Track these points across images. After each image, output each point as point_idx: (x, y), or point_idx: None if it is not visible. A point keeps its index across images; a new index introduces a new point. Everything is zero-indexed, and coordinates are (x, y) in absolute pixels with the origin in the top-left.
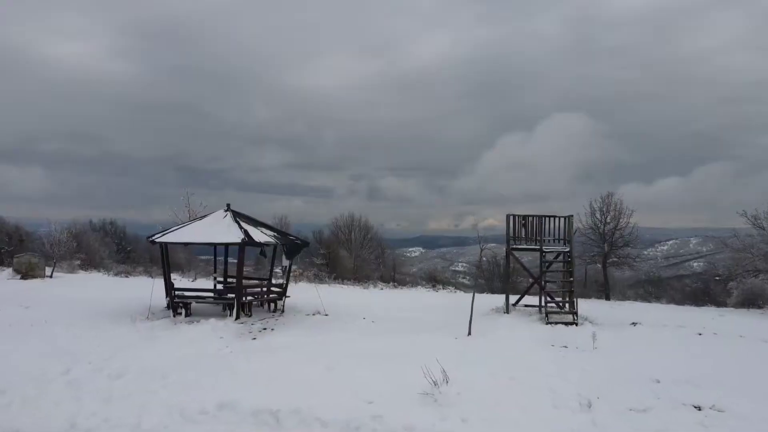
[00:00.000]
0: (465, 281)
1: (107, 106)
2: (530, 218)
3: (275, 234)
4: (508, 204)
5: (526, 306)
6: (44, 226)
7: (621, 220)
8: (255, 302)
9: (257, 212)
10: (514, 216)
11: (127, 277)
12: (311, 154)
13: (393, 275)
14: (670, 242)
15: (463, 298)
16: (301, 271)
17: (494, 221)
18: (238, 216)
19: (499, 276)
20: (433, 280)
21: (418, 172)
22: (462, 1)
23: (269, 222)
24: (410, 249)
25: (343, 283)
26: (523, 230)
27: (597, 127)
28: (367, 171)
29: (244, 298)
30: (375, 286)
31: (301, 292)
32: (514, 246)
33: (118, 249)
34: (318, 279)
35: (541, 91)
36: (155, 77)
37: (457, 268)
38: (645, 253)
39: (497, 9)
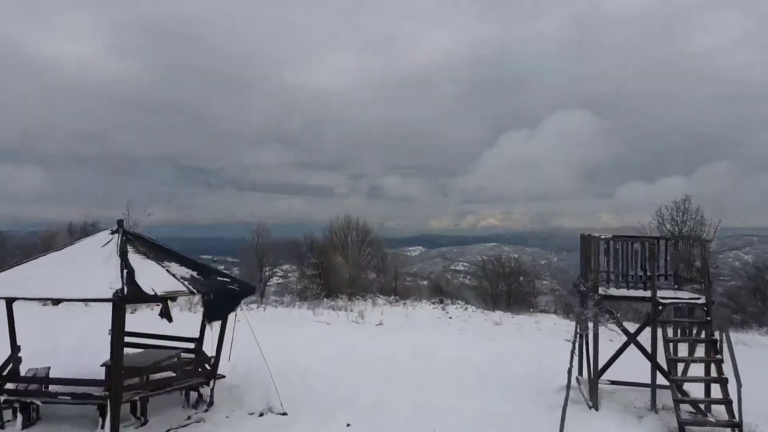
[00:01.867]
0: (467, 281)
1: (107, 105)
2: (624, 242)
3: (194, 275)
4: (510, 203)
5: (612, 383)
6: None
7: (702, 233)
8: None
9: (256, 211)
10: (594, 238)
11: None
12: (311, 153)
13: (395, 287)
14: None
15: (491, 337)
16: (295, 276)
17: (494, 221)
18: (132, 242)
19: (504, 277)
20: (439, 292)
21: (418, 171)
22: (463, 1)
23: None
24: (410, 248)
25: (333, 307)
26: (606, 260)
27: (599, 125)
28: (368, 170)
29: (136, 396)
30: (374, 304)
31: (264, 337)
32: (606, 293)
33: None
34: (301, 297)
35: (542, 90)
36: (155, 76)
37: (457, 268)
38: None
39: (498, 8)
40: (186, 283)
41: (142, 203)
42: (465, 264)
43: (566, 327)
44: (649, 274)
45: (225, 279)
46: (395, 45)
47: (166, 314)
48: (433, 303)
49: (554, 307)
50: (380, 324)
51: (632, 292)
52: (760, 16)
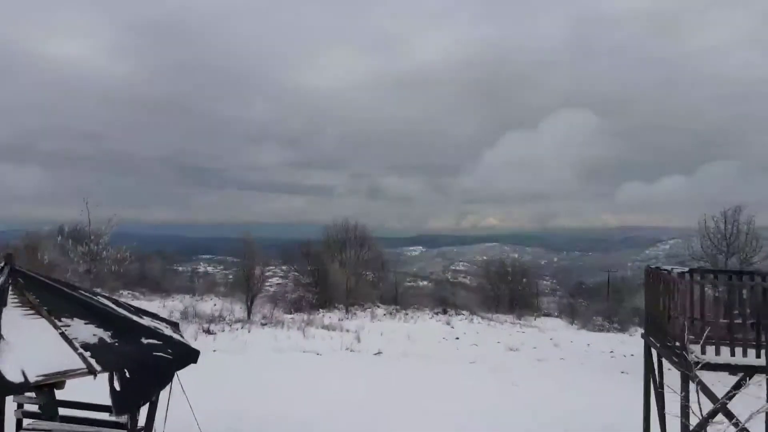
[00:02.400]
0: (466, 281)
1: (106, 104)
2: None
3: (105, 338)
4: (510, 203)
5: None
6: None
7: (756, 252)
8: None
9: (256, 211)
10: (687, 274)
11: None
12: (311, 153)
13: (395, 296)
14: (672, 241)
15: (511, 377)
16: (293, 277)
17: (494, 220)
18: (19, 288)
19: (506, 280)
20: (444, 303)
21: (419, 171)
22: (463, 1)
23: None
24: (411, 248)
25: (328, 327)
26: (711, 306)
27: (600, 124)
28: (368, 169)
29: None
30: (373, 317)
31: (231, 384)
32: (698, 359)
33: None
34: (296, 308)
35: (542, 90)
36: (154, 75)
37: (458, 268)
38: (646, 252)
39: (498, 8)
40: (88, 354)
41: (143, 203)
42: (465, 264)
43: (584, 346)
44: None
45: (154, 341)
46: (395, 45)
47: (47, 410)
48: (437, 314)
49: (557, 310)
50: (379, 353)
51: (741, 360)
52: (760, 16)
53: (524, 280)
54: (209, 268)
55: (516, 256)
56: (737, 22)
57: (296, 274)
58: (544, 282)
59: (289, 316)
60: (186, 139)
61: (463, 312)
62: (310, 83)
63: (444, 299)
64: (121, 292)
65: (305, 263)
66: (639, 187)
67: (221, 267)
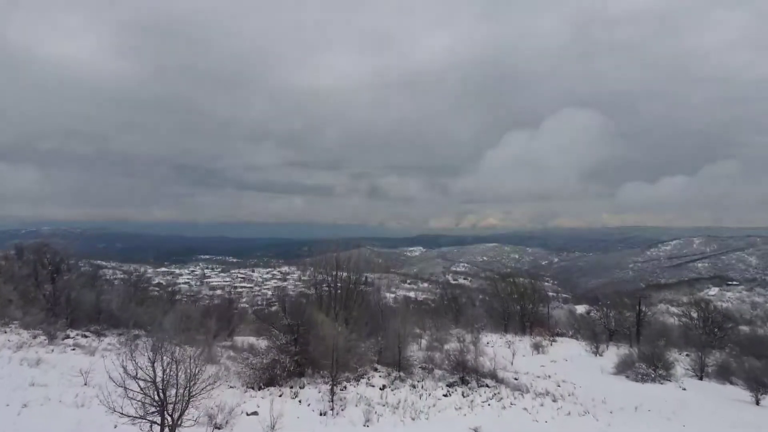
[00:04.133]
0: (467, 282)
1: (106, 104)
2: None
3: None
4: (510, 203)
5: None
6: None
7: None
8: None
9: (256, 211)
10: None
11: None
12: (311, 152)
13: (399, 360)
14: (674, 242)
15: None
16: (263, 347)
17: (494, 220)
18: None
19: (518, 299)
20: (460, 365)
21: (419, 171)
22: (463, 0)
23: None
24: (411, 248)
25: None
26: None
27: (600, 124)
28: (368, 169)
29: None
30: (368, 422)
31: None
32: None
33: (54, 287)
34: (267, 378)
35: (543, 90)
36: (154, 75)
37: (458, 269)
38: (647, 253)
39: (499, 7)
40: None
41: (143, 203)
42: (465, 264)
43: None
44: None
45: None
46: (395, 45)
47: None
48: (452, 386)
49: (570, 328)
50: None
51: None
52: (760, 16)
53: (536, 295)
54: (207, 270)
55: (516, 256)
56: (737, 22)
57: (272, 328)
58: (546, 283)
59: (253, 404)
60: (186, 139)
61: (487, 383)
62: (310, 83)
63: (461, 362)
64: (68, 331)
65: (282, 316)
66: (639, 187)
67: (221, 269)
